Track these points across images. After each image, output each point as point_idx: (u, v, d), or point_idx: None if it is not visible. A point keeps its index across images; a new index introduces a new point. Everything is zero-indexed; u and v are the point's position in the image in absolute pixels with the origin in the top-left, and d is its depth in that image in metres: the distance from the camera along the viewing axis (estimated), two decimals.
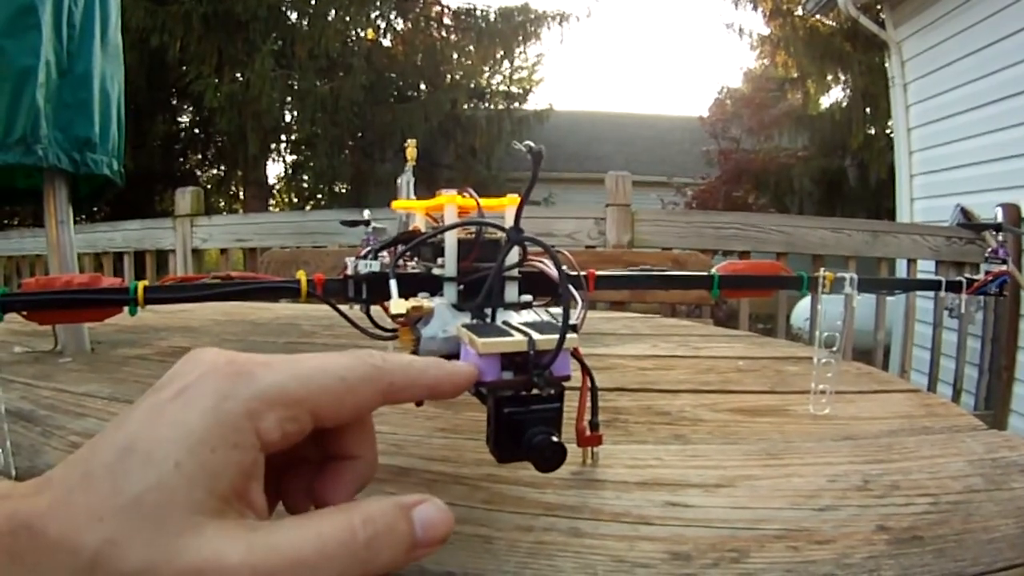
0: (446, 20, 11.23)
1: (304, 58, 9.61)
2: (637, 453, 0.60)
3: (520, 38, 11.11)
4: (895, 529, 0.48)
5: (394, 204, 0.66)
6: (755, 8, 10.53)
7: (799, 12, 9.63)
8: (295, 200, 12.39)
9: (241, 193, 11.97)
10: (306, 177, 11.60)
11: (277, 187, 12.41)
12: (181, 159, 11.63)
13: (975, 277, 0.87)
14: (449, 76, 11.21)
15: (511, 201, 0.54)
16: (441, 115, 10.23)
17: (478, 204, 0.55)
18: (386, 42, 11.22)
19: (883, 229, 2.76)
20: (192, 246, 3.06)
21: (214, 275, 0.60)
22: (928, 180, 3.77)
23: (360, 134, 10.49)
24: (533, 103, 11.82)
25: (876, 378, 1.01)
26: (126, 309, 0.60)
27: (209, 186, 11.44)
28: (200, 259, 3.12)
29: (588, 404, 0.52)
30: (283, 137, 11.06)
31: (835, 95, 10.75)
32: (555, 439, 0.40)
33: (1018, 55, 2.98)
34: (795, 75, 11.01)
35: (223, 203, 12.54)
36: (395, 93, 10.93)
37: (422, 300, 0.49)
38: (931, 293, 2.67)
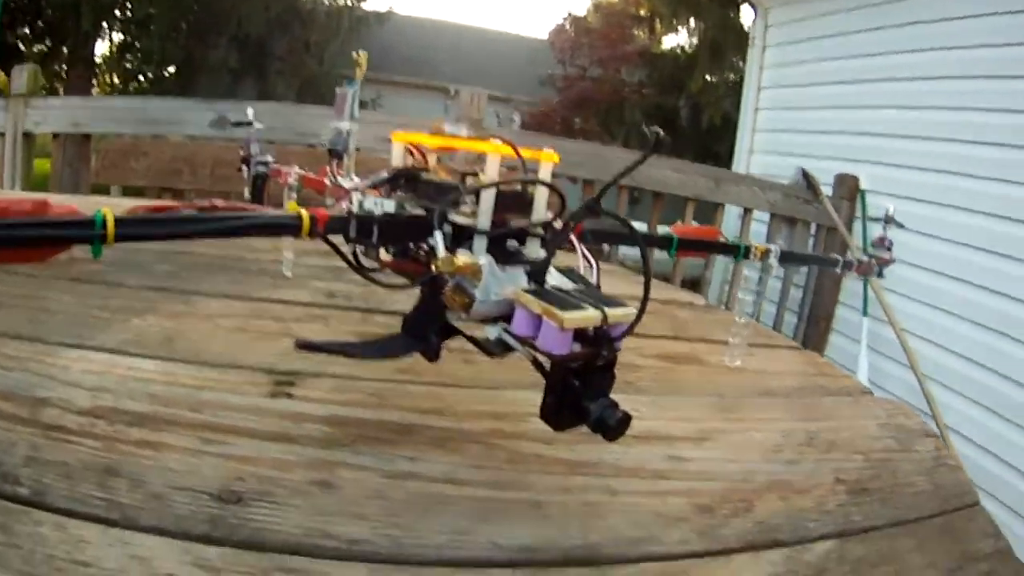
0: None
1: None
2: None
3: None
4: (848, 481, 0.57)
5: (396, 136, 0.63)
6: None
7: None
8: (117, 82, 11.17)
9: (65, 71, 10.61)
10: (131, 58, 10.49)
11: (102, 67, 11.11)
12: (6, 31, 10.05)
13: (863, 258, 0.99)
14: None
15: (547, 156, 0.54)
16: (281, 6, 9.57)
17: (518, 154, 0.55)
18: None
19: (726, 177, 2.91)
20: (24, 129, 2.70)
21: (196, 203, 0.54)
22: (769, 138, 4.05)
23: (195, 18, 9.58)
24: (374, 3, 11.34)
25: (760, 331, 1.12)
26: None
27: (32, 61, 9.99)
28: (31, 144, 2.77)
29: None
30: (117, 14, 9.87)
31: (680, 39, 11.14)
32: (624, 411, 0.42)
33: (868, 48, 3.21)
34: (644, 13, 11.26)
35: (47, 80, 11.01)
36: None
37: (469, 256, 0.49)
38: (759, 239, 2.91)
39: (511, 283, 0.49)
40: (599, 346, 0.44)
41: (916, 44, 2.90)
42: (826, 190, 2.89)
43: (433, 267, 0.48)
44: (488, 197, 0.52)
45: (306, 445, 0.50)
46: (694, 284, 2.85)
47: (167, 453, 0.47)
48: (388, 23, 10.88)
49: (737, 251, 0.86)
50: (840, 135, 3.27)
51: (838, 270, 0.99)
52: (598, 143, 7.10)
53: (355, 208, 0.58)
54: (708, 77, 9.87)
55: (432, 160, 0.65)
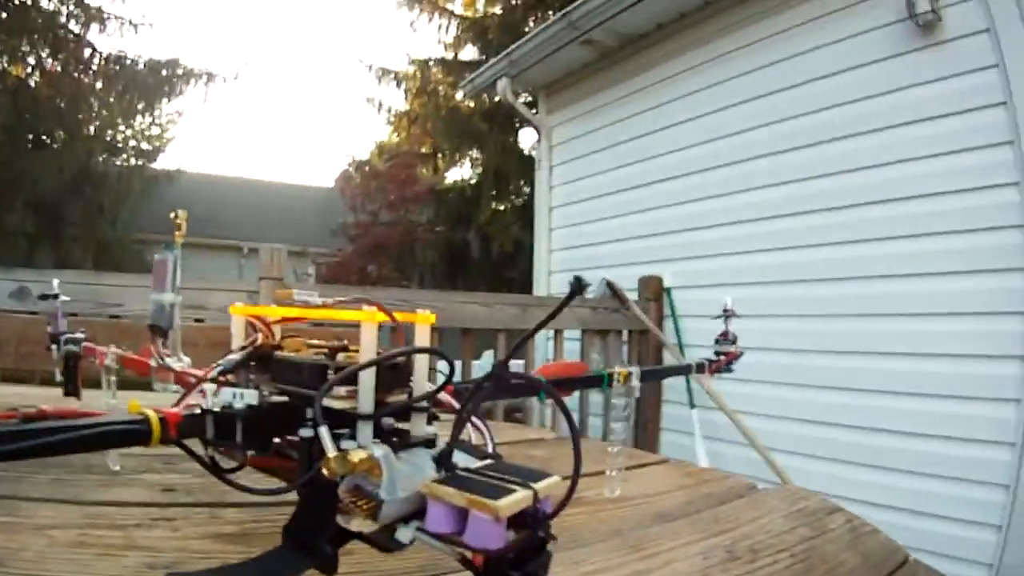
0: (95, 65, 9.94)
1: None
2: None
3: (165, 92, 10.32)
4: None
5: (235, 310, 0.56)
6: (398, 85, 11.17)
7: (441, 91, 10.45)
8: None
9: None
10: None
11: None
12: None
13: (714, 359, 1.04)
14: (87, 127, 10.00)
15: (424, 319, 0.50)
16: (75, 168, 9.05)
17: (393, 319, 0.50)
18: (32, 82, 9.61)
19: (532, 303, 3.01)
20: None
21: (22, 411, 0.44)
22: (568, 255, 4.23)
23: None
24: (164, 163, 11.00)
25: (625, 452, 1.13)
26: None
27: None
28: None
29: None
30: None
31: (464, 172, 11.68)
32: None
33: (651, 151, 3.52)
34: (426, 150, 11.76)
35: None
36: (32, 139, 9.46)
37: (359, 449, 0.42)
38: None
39: (415, 472, 0.43)
40: (535, 528, 0.39)
41: (691, 140, 3.28)
42: (632, 295, 3.07)
43: (324, 470, 0.41)
44: (368, 375, 0.46)
45: None
46: (513, 411, 2.84)
47: None
48: (178, 182, 10.55)
49: (602, 381, 0.87)
50: (637, 239, 3.52)
51: (694, 374, 1.03)
52: (395, 288, 7.15)
53: (209, 401, 0.50)
54: (494, 205, 10.28)
55: (278, 333, 0.58)
